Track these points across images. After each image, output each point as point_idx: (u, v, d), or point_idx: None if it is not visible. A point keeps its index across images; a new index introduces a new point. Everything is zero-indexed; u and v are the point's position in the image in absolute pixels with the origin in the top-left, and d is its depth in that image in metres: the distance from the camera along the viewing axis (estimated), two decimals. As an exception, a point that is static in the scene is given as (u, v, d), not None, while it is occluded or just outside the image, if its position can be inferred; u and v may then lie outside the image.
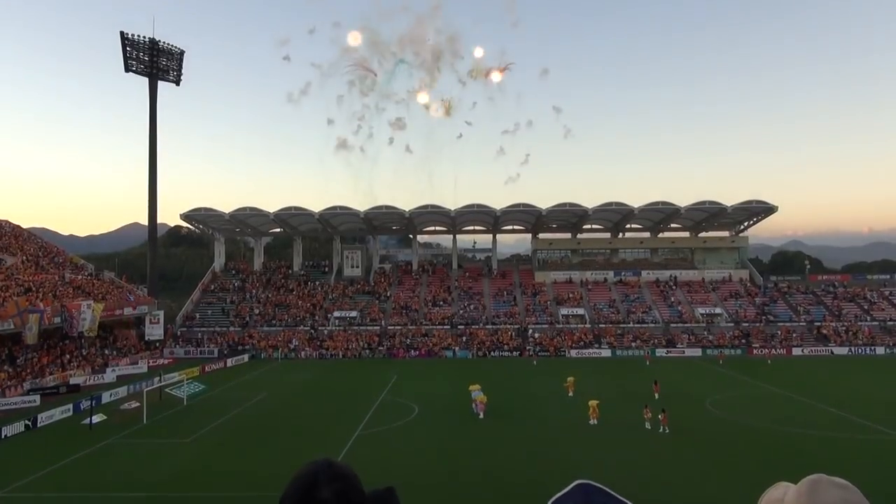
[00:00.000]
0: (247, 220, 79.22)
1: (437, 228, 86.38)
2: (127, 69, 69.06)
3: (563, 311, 71.50)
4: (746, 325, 68.59)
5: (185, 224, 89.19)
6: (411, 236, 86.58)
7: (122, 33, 67.85)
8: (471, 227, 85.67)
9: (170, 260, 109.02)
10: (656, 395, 38.09)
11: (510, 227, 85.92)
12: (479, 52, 57.60)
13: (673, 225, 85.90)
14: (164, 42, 70.40)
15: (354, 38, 58.79)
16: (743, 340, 65.67)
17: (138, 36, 68.94)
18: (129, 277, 75.09)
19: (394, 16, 60.30)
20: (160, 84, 72.04)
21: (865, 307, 71.40)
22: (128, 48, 68.45)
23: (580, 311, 71.58)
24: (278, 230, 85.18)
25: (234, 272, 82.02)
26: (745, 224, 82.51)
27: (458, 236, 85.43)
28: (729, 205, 75.67)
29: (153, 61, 70.16)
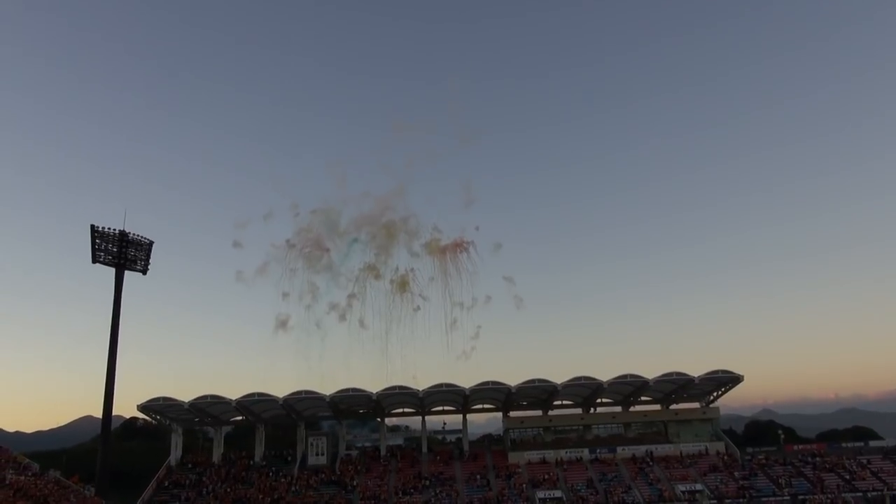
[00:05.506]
0: (207, 409, 76.23)
1: (406, 410, 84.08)
2: (94, 260, 69.41)
3: (540, 493, 68.23)
4: (729, 501, 66.07)
5: (141, 415, 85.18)
6: (379, 419, 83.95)
7: (92, 226, 68.89)
8: (440, 408, 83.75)
9: (123, 455, 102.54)
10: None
11: (480, 406, 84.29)
12: (436, 232, 59.62)
13: (643, 398, 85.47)
14: (133, 234, 71.61)
15: (312, 218, 60.43)
16: (728, 518, 62.87)
17: (108, 228, 70.03)
18: (78, 476, 70.11)
19: (356, 201, 62.72)
20: (126, 274, 72.16)
21: (847, 477, 69.88)
22: (97, 240, 69.21)
23: (557, 494, 68.38)
24: (240, 418, 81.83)
25: (190, 466, 77.32)
26: (715, 394, 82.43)
27: (427, 417, 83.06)
28: (696, 375, 76.04)
29: (122, 252, 70.76)
